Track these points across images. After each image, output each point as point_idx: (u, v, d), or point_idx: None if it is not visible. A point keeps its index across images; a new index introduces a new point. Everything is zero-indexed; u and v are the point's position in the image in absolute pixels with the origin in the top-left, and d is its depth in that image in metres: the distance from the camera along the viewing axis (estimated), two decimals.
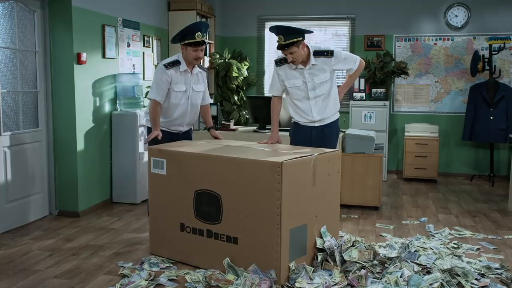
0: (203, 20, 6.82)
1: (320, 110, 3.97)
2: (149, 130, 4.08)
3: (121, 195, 5.31)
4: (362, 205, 5.15)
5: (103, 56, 5.08)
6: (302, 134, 4.04)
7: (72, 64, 4.64)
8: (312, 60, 3.84)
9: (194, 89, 4.10)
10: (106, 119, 5.20)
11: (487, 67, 6.51)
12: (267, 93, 7.60)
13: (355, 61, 3.95)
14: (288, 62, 3.85)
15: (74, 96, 4.67)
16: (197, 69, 4.10)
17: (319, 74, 3.87)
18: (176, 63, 3.97)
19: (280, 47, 3.74)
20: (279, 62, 3.92)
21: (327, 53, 3.87)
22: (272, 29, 3.81)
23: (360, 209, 5.13)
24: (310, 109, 3.96)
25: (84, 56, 4.73)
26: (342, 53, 3.93)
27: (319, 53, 3.86)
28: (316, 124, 4.00)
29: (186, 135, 4.24)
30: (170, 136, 4.08)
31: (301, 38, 3.73)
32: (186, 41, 3.89)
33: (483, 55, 6.56)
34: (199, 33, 3.88)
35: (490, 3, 6.75)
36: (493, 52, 6.47)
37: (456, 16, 6.87)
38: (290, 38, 3.68)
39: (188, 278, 3.22)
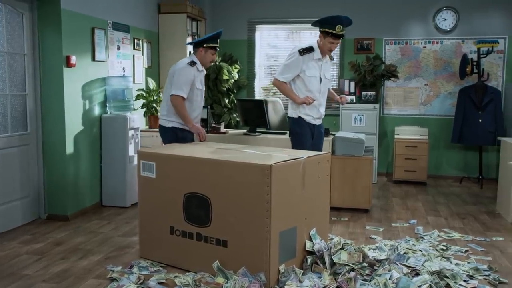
0: (194, 22, 6.84)
1: (322, 108, 4.43)
2: (169, 131, 4.26)
3: (111, 198, 5.29)
4: (352, 207, 5.17)
5: (93, 59, 5.07)
6: (307, 130, 4.38)
7: (61, 67, 4.62)
8: (327, 56, 4.37)
9: (204, 87, 4.46)
10: (96, 122, 5.18)
11: (475, 70, 6.56)
12: (258, 95, 7.62)
13: None
14: (311, 52, 4.22)
15: (63, 99, 4.65)
16: (204, 70, 4.45)
17: (329, 71, 4.44)
18: (194, 63, 4.24)
19: (337, 36, 4.18)
20: (303, 52, 4.23)
21: (332, 57, 4.54)
22: (345, 18, 4.19)
23: (350, 211, 5.15)
24: (319, 103, 4.36)
25: (73, 59, 4.71)
26: None
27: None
28: (317, 122, 4.43)
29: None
30: (186, 133, 4.30)
31: None
32: (210, 45, 4.26)
33: (471, 58, 6.62)
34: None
35: (478, 7, 6.82)
36: (482, 56, 6.53)
37: (445, 19, 6.93)
38: (343, 30, 4.20)
39: (177, 281, 3.22)
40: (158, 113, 4.42)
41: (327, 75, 4.40)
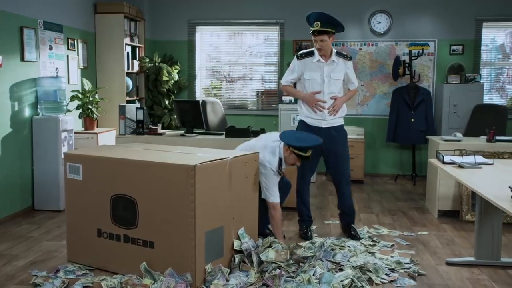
0: (132, 23, 6.76)
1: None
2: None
3: (44, 202, 5.15)
4: (288, 206, 5.22)
5: (22, 59, 4.91)
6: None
7: None
8: (334, 57, 4.19)
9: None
10: (27, 124, 5.03)
11: (407, 72, 6.82)
12: (198, 97, 7.61)
13: (355, 82, 4.39)
14: (310, 56, 4.18)
15: None
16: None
17: (336, 72, 4.21)
18: (279, 163, 3.88)
19: (314, 33, 4.07)
20: (300, 56, 4.23)
21: (347, 57, 4.29)
22: (313, 14, 4.10)
23: (286, 210, 5.17)
24: (323, 105, 4.19)
25: None
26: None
27: (339, 54, 4.26)
28: (324, 125, 4.22)
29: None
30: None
31: (334, 31, 4.11)
32: (296, 152, 3.81)
33: (404, 60, 6.88)
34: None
35: (410, 11, 7.09)
36: (413, 58, 6.79)
37: (379, 22, 7.16)
38: (326, 27, 4.05)
39: (103, 284, 3.17)
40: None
41: (334, 75, 4.19)
